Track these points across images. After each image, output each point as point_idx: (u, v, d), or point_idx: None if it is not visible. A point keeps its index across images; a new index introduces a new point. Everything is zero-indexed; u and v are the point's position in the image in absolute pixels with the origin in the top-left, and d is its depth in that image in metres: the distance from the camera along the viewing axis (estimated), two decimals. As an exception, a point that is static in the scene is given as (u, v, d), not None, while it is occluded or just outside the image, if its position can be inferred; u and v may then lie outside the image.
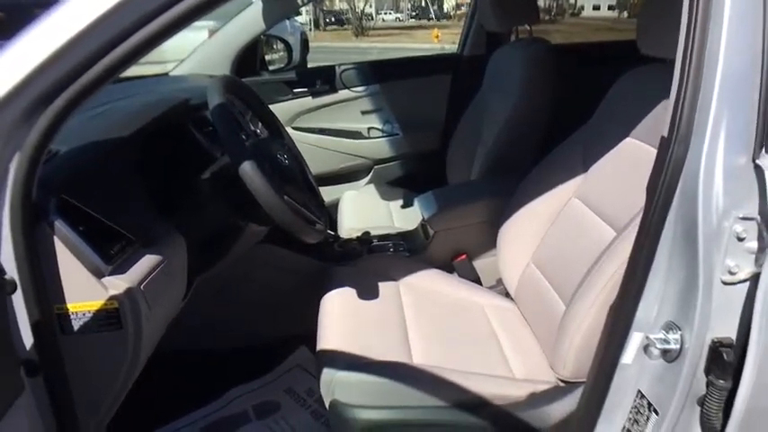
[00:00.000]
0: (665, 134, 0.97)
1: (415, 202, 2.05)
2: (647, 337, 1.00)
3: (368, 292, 1.55)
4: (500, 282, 1.80)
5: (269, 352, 1.89)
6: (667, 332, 0.99)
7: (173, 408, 1.73)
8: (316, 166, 2.62)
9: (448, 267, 1.84)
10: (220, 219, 1.38)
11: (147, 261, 1.10)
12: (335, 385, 1.25)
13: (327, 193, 2.75)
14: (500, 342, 1.49)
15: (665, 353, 0.99)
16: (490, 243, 1.77)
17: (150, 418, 1.69)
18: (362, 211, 2.43)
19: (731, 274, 0.91)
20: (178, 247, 1.23)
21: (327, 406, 1.27)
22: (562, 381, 1.32)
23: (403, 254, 1.90)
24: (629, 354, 1.06)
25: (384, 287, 1.61)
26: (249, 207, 1.22)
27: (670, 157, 0.95)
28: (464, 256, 1.86)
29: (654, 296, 1.01)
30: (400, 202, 2.53)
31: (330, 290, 1.56)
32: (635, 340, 1.05)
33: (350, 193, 2.63)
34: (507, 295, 1.73)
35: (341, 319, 1.45)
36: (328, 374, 1.26)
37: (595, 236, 1.37)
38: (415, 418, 1.24)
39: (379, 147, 2.77)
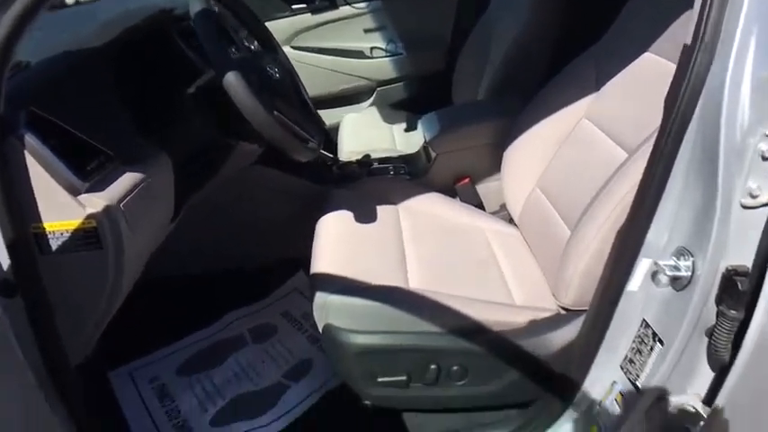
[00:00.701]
0: (689, 42, 0.88)
1: (418, 124, 1.96)
2: (656, 264, 0.94)
3: (365, 215, 1.49)
4: (503, 207, 1.74)
5: (266, 276, 1.86)
6: (678, 258, 0.93)
7: (170, 332, 1.71)
8: (315, 87, 2.52)
9: (450, 191, 1.77)
10: (208, 136, 1.30)
11: (128, 179, 1.04)
12: (329, 309, 1.21)
13: (328, 116, 2.66)
14: (501, 268, 1.45)
15: (674, 280, 0.94)
16: (494, 166, 1.70)
17: (148, 342, 1.68)
18: (363, 133, 2.34)
19: (752, 197, 0.84)
20: (163, 165, 1.17)
21: (321, 330, 1.24)
22: (564, 308, 1.28)
23: (403, 177, 1.82)
24: (636, 281, 1.01)
25: (383, 210, 1.55)
26: (238, 123, 1.15)
27: (693, 66, 0.86)
28: (467, 180, 1.78)
29: (666, 220, 0.95)
30: (403, 125, 2.44)
31: (327, 212, 1.50)
32: (643, 267, 0.99)
33: (351, 116, 2.54)
34: (511, 221, 1.67)
35: (337, 242, 1.40)
36: (321, 298, 1.21)
37: (606, 158, 1.29)
38: (410, 344, 1.20)
39: (382, 67, 2.64)
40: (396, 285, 1.26)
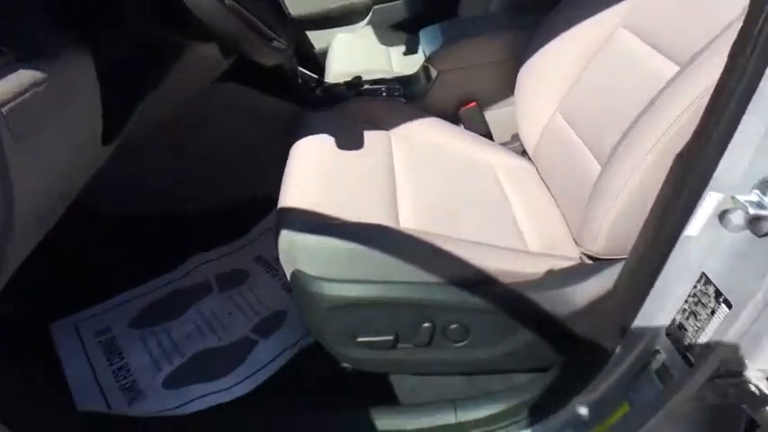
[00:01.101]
0: None
1: (419, 42, 1.67)
2: (733, 199, 0.69)
3: (349, 139, 1.24)
4: (516, 138, 1.48)
5: (237, 215, 1.60)
6: (764, 193, 0.68)
7: (124, 278, 1.48)
8: (302, 4, 2.22)
9: (453, 117, 1.50)
10: (147, 31, 1.02)
11: (19, 78, 0.76)
12: (297, 251, 0.97)
13: (316, 39, 2.37)
14: (512, 209, 1.20)
15: (755, 222, 0.69)
16: (506, 88, 1.43)
17: (98, 290, 1.45)
18: (356, 55, 2.05)
19: None
20: (82, 65, 0.90)
21: (288, 277, 1.00)
22: (590, 257, 1.04)
23: (398, 99, 1.55)
24: (698, 222, 0.76)
25: (371, 136, 1.29)
26: (181, 12, 0.88)
27: None
28: (473, 104, 1.50)
29: (748, 139, 0.69)
30: (402, 47, 2.15)
31: (302, 136, 1.24)
32: (709, 203, 0.74)
33: (342, 36, 2.24)
34: (524, 154, 1.41)
35: (311, 170, 1.14)
36: (288, 237, 0.97)
37: (649, 75, 1.03)
38: (398, 296, 0.97)
39: (379, -18, 2.32)
40: (381, 224, 1.01)
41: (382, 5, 2.35)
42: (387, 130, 1.35)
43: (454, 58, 1.49)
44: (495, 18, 1.67)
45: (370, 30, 2.26)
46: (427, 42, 1.55)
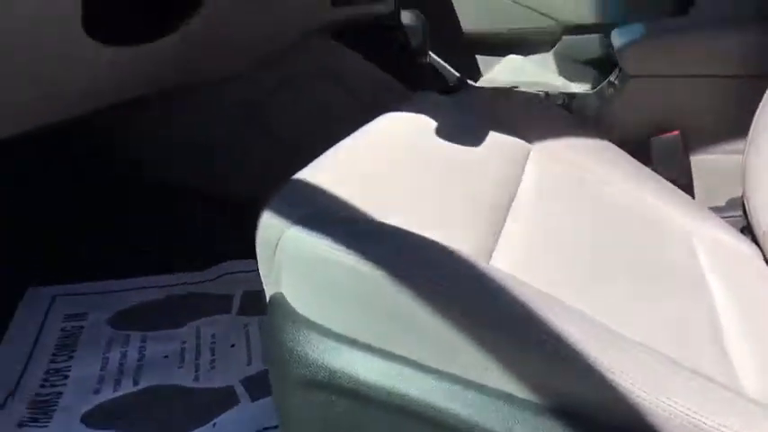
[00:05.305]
0: None
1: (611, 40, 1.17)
2: None
3: (460, 130, 0.77)
4: (736, 202, 0.92)
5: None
6: None
7: (140, 262, 1.13)
8: (473, 20, 1.81)
9: (638, 148, 0.96)
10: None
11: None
12: (283, 256, 0.51)
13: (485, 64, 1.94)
14: (716, 308, 0.65)
15: None
16: (737, 120, 0.89)
17: (107, 265, 1.12)
18: (523, 70, 1.60)
19: None
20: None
21: (267, 299, 0.55)
22: None
23: (560, 108, 1.04)
24: None
25: (498, 140, 0.81)
26: None
27: None
28: (674, 134, 0.96)
29: None
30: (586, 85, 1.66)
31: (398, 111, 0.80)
32: None
33: (515, 57, 1.78)
34: (745, 231, 0.85)
35: (368, 150, 0.68)
36: (271, 222, 0.52)
37: None
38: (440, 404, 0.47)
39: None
40: (452, 248, 0.52)
41: (575, 37, 1.86)
42: (528, 140, 0.86)
43: (659, 57, 0.96)
44: (739, 17, 1.13)
45: (550, 57, 1.80)
46: (620, 36, 1.05)
